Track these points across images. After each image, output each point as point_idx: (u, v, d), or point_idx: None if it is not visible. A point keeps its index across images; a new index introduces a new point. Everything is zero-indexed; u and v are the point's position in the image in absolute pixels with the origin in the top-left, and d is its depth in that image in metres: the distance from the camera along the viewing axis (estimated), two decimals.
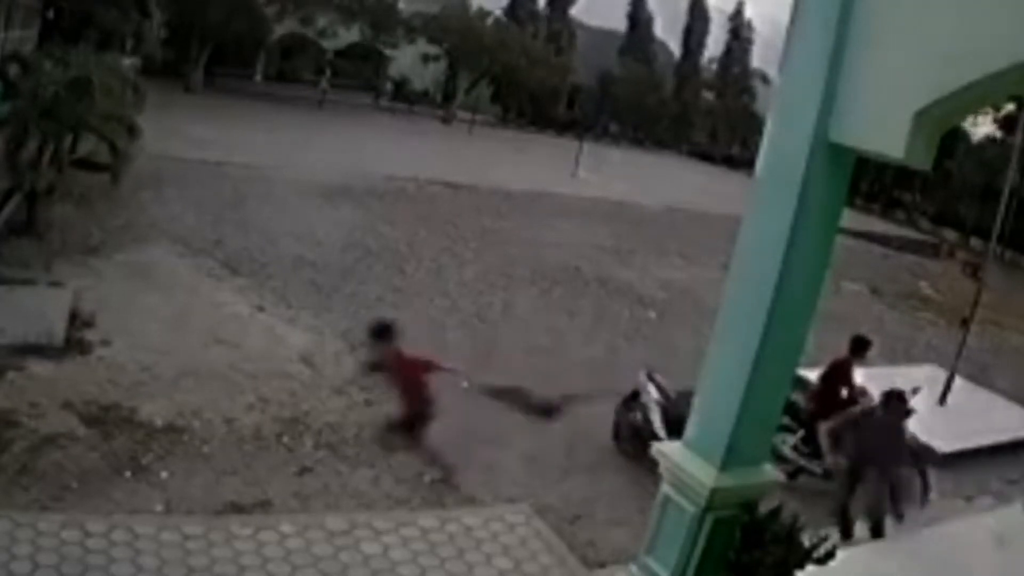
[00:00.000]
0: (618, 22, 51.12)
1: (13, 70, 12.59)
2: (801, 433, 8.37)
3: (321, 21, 35.41)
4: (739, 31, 51.88)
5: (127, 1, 26.78)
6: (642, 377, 8.69)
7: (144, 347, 8.69)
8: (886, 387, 9.49)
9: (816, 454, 8.49)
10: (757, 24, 52.15)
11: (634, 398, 8.56)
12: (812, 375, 8.99)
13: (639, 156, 41.98)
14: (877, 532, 7.38)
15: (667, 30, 51.90)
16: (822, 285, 4.53)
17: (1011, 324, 18.27)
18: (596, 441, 8.81)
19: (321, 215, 16.42)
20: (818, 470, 8.49)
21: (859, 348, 8.70)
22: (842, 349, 9.12)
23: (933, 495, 8.63)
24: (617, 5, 50.79)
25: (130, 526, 5.39)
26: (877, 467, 7.31)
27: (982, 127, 34.26)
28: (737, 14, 51.99)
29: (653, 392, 8.41)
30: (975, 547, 7.43)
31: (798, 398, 8.41)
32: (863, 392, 8.96)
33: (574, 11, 49.07)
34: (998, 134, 33.52)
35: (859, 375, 9.40)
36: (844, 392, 8.77)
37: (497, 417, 8.02)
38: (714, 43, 52.11)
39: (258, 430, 7.63)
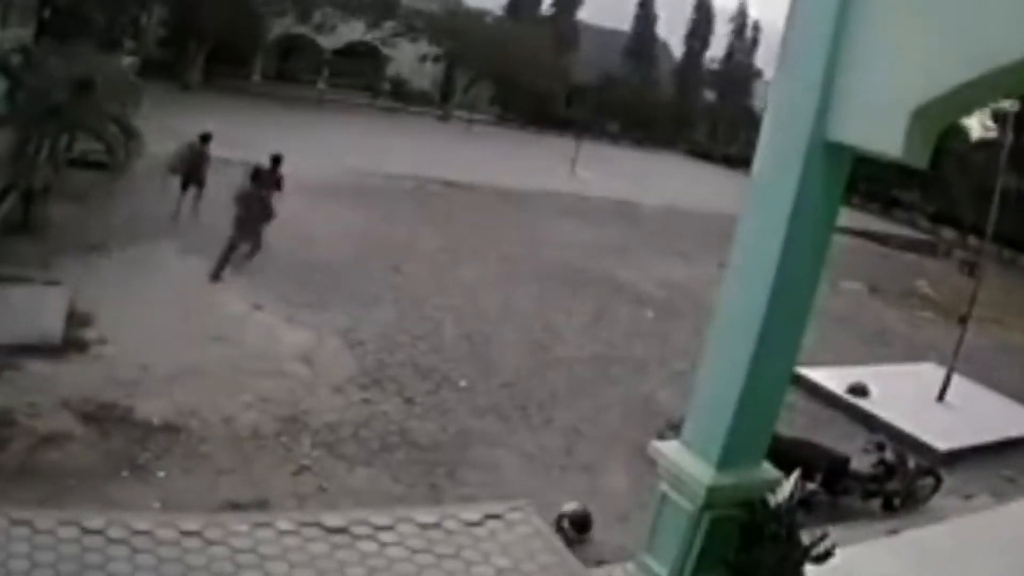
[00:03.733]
0: (624, 22, 50.98)
1: (16, 61, 12.55)
2: None
3: (318, 17, 35.25)
4: (742, 31, 51.80)
5: (125, 0, 26.67)
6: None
7: (142, 346, 8.67)
8: (886, 386, 9.53)
9: None
10: (764, 26, 52.11)
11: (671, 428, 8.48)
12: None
13: (638, 155, 41.95)
14: None
15: (671, 30, 51.83)
16: (820, 284, 4.51)
17: (1010, 322, 18.30)
18: (595, 440, 8.82)
19: (319, 214, 16.38)
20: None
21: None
22: (841, 347, 9.16)
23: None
24: (624, 5, 50.62)
25: (127, 523, 5.37)
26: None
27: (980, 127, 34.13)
28: (739, 14, 51.94)
29: None
30: (975, 545, 7.43)
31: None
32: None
33: (583, 13, 48.87)
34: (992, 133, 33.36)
35: (857, 375, 9.43)
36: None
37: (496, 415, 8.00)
38: (718, 43, 52.10)
39: (256, 429, 7.62)
